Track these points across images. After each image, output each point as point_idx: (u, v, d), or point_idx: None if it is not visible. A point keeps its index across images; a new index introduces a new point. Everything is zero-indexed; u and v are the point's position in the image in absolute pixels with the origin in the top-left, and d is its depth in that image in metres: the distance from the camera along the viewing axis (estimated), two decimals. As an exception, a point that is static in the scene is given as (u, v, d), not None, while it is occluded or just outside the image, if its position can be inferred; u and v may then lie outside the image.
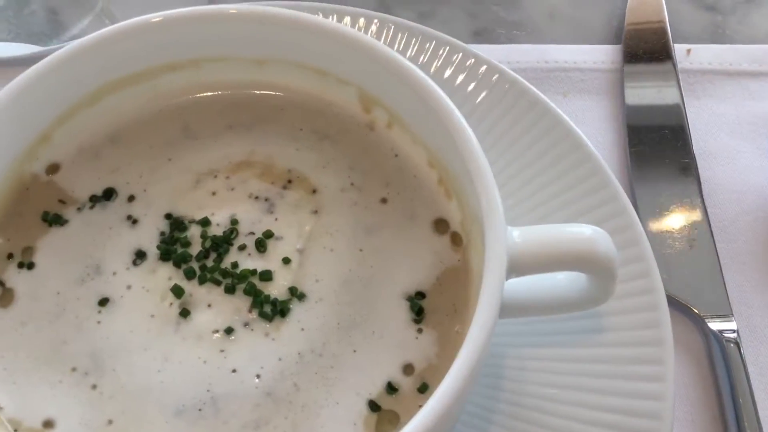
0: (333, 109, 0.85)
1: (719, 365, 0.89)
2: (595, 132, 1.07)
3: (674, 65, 1.10)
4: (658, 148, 1.04)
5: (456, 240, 0.78)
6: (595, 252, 0.69)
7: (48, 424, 0.71)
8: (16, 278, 0.77)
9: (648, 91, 1.08)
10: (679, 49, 1.13)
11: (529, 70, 1.12)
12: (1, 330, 0.75)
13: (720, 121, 1.08)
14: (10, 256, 0.78)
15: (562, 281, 0.77)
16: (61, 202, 0.81)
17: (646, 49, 1.12)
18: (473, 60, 0.98)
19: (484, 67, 0.98)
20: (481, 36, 1.17)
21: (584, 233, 0.71)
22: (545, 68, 1.13)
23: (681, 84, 1.08)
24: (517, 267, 0.68)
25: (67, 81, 0.80)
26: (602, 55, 1.14)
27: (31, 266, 0.77)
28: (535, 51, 1.14)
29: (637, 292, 0.83)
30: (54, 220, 0.79)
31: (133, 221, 0.80)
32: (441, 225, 0.79)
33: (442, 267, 0.77)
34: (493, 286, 0.65)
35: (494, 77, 0.96)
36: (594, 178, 0.89)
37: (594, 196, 0.89)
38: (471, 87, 0.97)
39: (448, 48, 0.99)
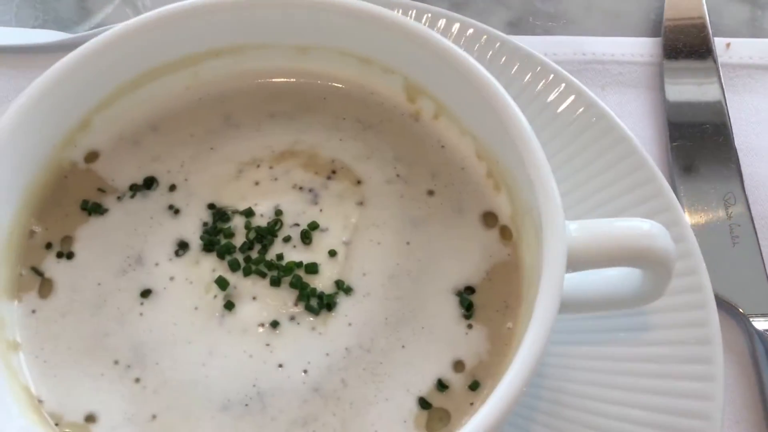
0: (376, 99, 0.84)
1: (764, 365, 0.88)
2: (635, 126, 1.05)
3: (715, 62, 1.08)
4: (700, 143, 1.02)
5: (505, 234, 0.77)
6: (655, 247, 0.68)
7: (90, 418, 0.69)
8: (55, 268, 0.75)
9: (689, 88, 1.06)
10: (718, 43, 1.11)
11: (565, 63, 1.09)
12: (40, 321, 0.73)
13: (761, 117, 1.06)
14: (48, 245, 0.76)
15: (614, 277, 0.75)
16: (101, 190, 0.79)
17: (687, 44, 1.10)
18: (512, 51, 0.96)
19: (524, 59, 0.95)
20: (516, 27, 1.15)
21: (642, 228, 0.69)
22: (582, 60, 1.11)
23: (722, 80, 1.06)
24: (574, 262, 0.66)
25: (107, 67, 0.78)
26: (641, 48, 1.12)
27: (70, 256, 0.76)
28: (572, 43, 1.12)
29: (685, 290, 0.82)
30: (93, 209, 0.78)
31: (175, 211, 0.78)
32: (489, 218, 0.78)
33: (492, 261, 0.75)
34: (553, 282, 0.63)
35: (536, 69, 0.94)
36: (639, 173, 0.88)
37: (639, 190, 0.87)
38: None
39: (485, 37, 0.97)
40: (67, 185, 0.79)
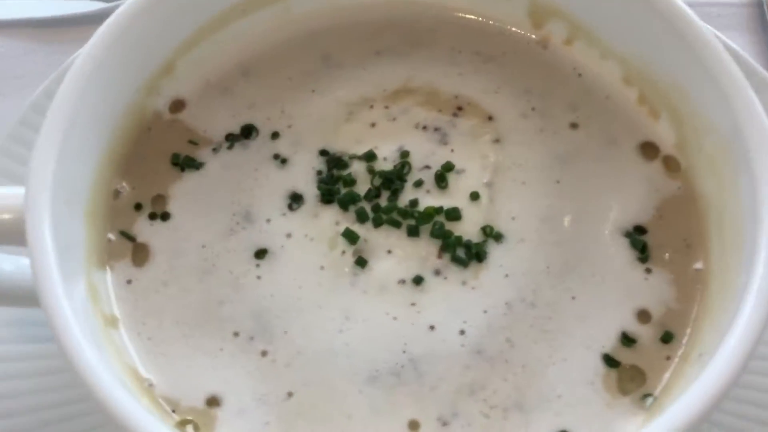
0: (494, 28, 0.73)
1: None
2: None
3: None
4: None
5: (670, 165, 0.66)
6: None
7: (213, 401, 0.58)
8: (148, 231, 0.64)
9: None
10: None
11: (659, 6, 1.00)
12: (138, 293, 0.62)
13: None
14: (138, 206, 0.65)
15: None
16: (192, 143, 0.68)
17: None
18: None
19: None
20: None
21: None
22: (676, 3, 1.01)
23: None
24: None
25: (188, 2, 0.67)
26: (739, -13, 1.02)
27: (165, 217, 0.64)
28: (665, -16, 1.02)
29: None
30: (187, 163, 0.66)
31: (282, 160, 0.67)
32: (649, 149, 0.67)
33: (660, 197, 0.65)
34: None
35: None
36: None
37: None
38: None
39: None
40: (152, 138, 0.68)
